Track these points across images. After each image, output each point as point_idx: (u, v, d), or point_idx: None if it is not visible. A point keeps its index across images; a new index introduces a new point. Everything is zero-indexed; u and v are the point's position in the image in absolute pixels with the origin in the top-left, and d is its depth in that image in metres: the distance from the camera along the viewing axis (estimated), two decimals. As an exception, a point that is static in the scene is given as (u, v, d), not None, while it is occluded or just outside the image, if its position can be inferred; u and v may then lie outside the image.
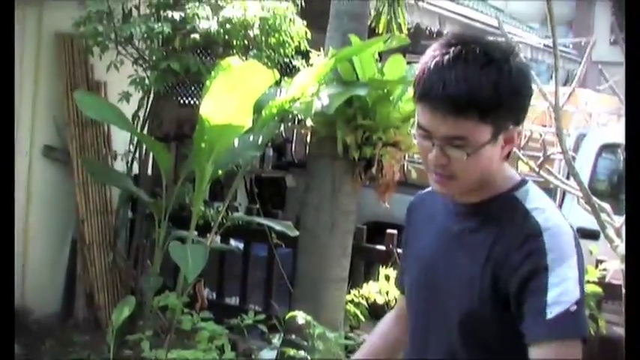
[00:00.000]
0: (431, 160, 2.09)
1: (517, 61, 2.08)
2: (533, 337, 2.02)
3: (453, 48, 2.05)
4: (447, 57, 2.04)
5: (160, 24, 5.67)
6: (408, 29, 6.62)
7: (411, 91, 5.21)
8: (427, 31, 9.70)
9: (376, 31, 6.39)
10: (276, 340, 5.70)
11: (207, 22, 5.65)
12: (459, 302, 2.16)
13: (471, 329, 2.14)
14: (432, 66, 2.05)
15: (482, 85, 2.01)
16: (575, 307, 2.00)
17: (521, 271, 2.04)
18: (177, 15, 5.68)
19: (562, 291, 2.00)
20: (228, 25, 5.75)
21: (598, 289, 5.04)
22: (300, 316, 4.99)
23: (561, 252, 2.05)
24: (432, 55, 2.08)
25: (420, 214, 2.42)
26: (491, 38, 2.16)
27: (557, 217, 2.13)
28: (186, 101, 9.88)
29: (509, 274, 2.06)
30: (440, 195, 2.28)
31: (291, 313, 5.19)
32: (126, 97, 6.00)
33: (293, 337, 5.20)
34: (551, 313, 1.99)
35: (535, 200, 2.16)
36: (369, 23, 6.32)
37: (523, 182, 2.22)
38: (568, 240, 2.08)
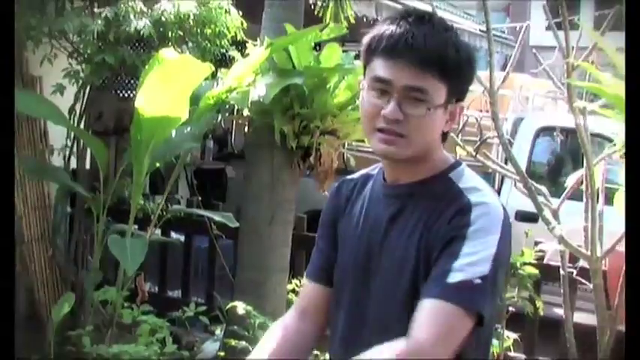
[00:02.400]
0: (386, 114, 2.10)
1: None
2: (427, 294, 2.03)
3: (413, 15, 2.14)
4: (410, 19, 2.12)
5: (93, 20, 5.60)
6: (346, 18, 6.63)
7: (350, 79, 5.35)
8: (364, 20, 9.74)
9: (323, 22, 6.38)
10: (219, 331, 5.70)
11: (141, 20, 5.57)
12: (398, 283, 2.17)
13: (409, 308, 2.13)
14: (395, 25, 2.11)
15: (447, 44, 2.10)
16: (479, 282, 2.01)
17: (442, 240, 2.08)
18: (110, 13, 5.60)
19: (471, 262, 2.03)
20: (162, 18, 5.69)
21: (535, 271, 5.09)
22: (240, 307, 4.98)
23: (484, 227, 2.08)
24: (390, 20, 2.15)
25: (346, 199, 2.41)
26: None
27: (491, 197, 2.17)
28: (126, 94, 9.77)
29: (435, 245, 2.10)
30: (370, 177, 2.36)
31: (231, 304, 5.18)
32: (59, 89, 5.91)
33: (235, 327, 5.19)
34: (453, 278, 2.01)
35: (469, 181, 2.20)
36: (316, 13, 6.33)
37: (457, 164, 2.26)
38: (495, 218, 2.11)
